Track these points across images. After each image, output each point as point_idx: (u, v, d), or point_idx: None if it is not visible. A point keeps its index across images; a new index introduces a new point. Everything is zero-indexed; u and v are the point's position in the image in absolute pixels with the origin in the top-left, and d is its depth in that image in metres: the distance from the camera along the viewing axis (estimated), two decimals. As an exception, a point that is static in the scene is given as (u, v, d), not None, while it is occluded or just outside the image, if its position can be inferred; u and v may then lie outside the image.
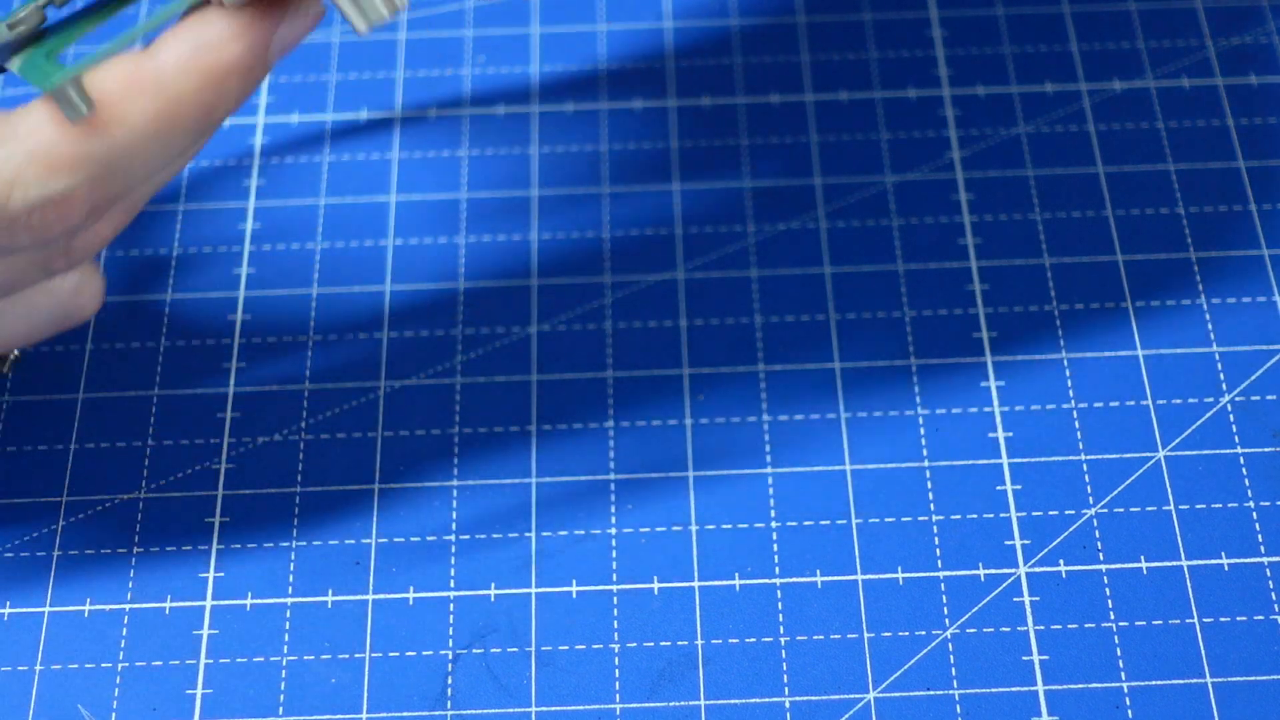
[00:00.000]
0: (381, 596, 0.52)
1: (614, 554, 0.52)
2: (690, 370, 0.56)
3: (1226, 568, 0.51)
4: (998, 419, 0.54)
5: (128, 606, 0.52)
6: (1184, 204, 0.59)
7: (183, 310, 0.57)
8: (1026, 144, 0.61)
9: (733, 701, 0.49)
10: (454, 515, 0.53)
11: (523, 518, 0.53)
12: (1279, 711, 0.49)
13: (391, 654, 0.51)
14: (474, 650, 0.51)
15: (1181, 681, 0.49)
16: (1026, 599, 0.51)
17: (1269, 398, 0.55)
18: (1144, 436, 0.54)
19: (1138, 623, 0.50)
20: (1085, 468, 0.53)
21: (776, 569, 0.52)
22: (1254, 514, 0.52)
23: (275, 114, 0.62)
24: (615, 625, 0.51)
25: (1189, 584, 0.51)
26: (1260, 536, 0.52)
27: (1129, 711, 0.49)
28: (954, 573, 0.52)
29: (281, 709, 0.50)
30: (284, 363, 0.56)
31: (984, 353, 0.56)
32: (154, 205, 0.60)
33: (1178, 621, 0.50)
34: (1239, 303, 0.57)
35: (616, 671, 0.50)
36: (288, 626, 0.51)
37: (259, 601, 0.52)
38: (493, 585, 0.52)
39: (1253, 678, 0.49)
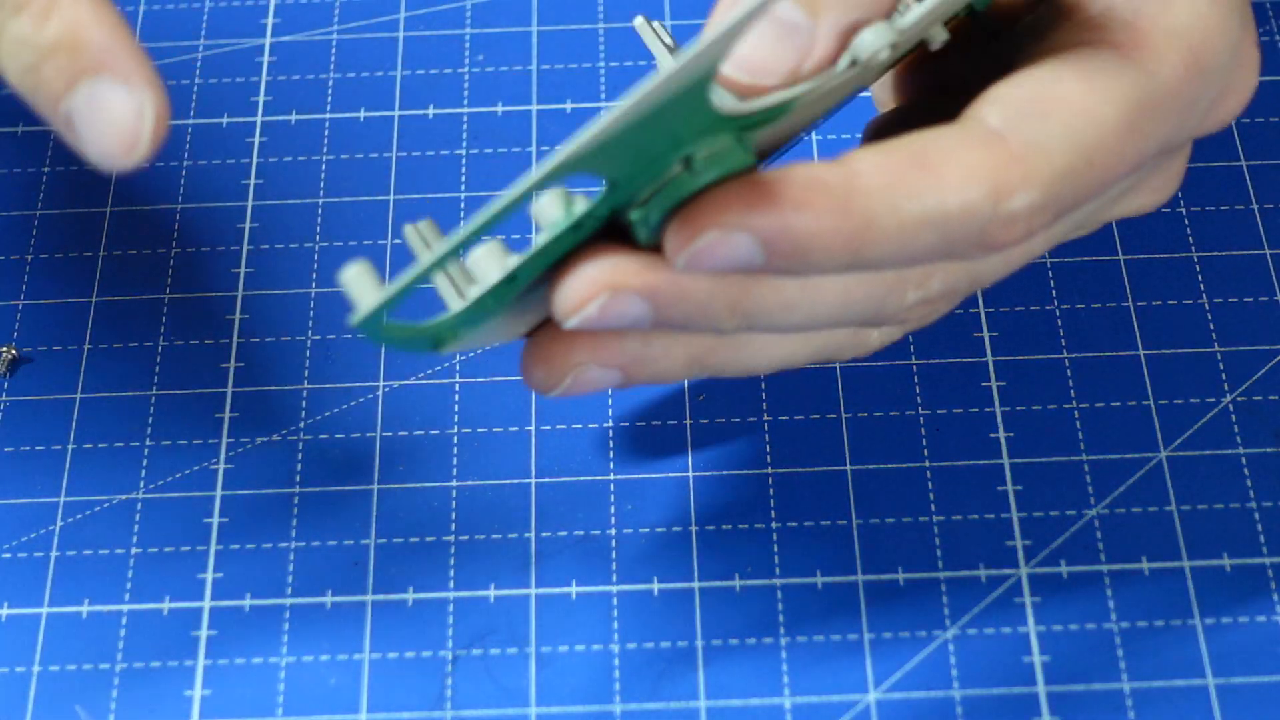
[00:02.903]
0: (380, 597, 0.52)
1: (614, 554, 0.52)
2: (690, 370, 0.56)
3: (1228, 568, 0.51)
4: (998, 419, 0.54)
5: (126, 607, 0.51)
6: (1185, 203, 0.59)
7: (181, 309, 0.57)
8: (1027, 143, 0.60)
9: (733, 702, 0.49)
10: (453, 515, 0.53)
11: (522, 518, 0.53)
12: (1281, 712, 0.49)
13: (390, 655, 0.50)
14: (473, 651, 0.51)
15: (1183, 683, 0.49)
16: (1027, 600, 0.51)
17: (1271, 398, 0.54)
18: (1145, 436, 0.54)
19: (1139, 624, 0.50)
20: (1086, 468, 0.53)
21: (776, 569, 0.52)
22: (1256, 514, 0.52)
23: (273, 113, 0.62)
24: (615, 625, 0.51)
25: (1191, 585, 0.51)
26: (1262, 537, 0.52)
27: (1130, 713, 0.49)
28: (954, 573, 0.51)
29: (280, 710, 0.50)
30: (282, 362, 0.56)
31: (984, 353, 0.56)
32: (152, 204, 0.60)
33: (1179, 622, 0.50)
34: (1241, 302, 0.56)
35: (616, 672, 0.50)
36: (286, 627, 0.51)
37: (258, 602, 0.52)
38: (492, 586, 0.52)
39: (1255, 679, 0.49)
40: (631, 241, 0.43)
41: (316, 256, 0.58)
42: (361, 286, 0.41)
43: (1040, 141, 0.42)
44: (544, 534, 0.53)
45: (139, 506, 0.53)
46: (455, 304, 0.42)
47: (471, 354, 0.56)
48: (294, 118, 0.62)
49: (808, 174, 0.41)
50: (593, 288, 0.42)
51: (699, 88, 0.39)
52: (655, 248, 0.42)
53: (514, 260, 0.41)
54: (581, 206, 0.41)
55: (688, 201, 0.41)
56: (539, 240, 0.41)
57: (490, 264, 0.42)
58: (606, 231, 0.43)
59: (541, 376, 0.45)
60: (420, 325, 0.42)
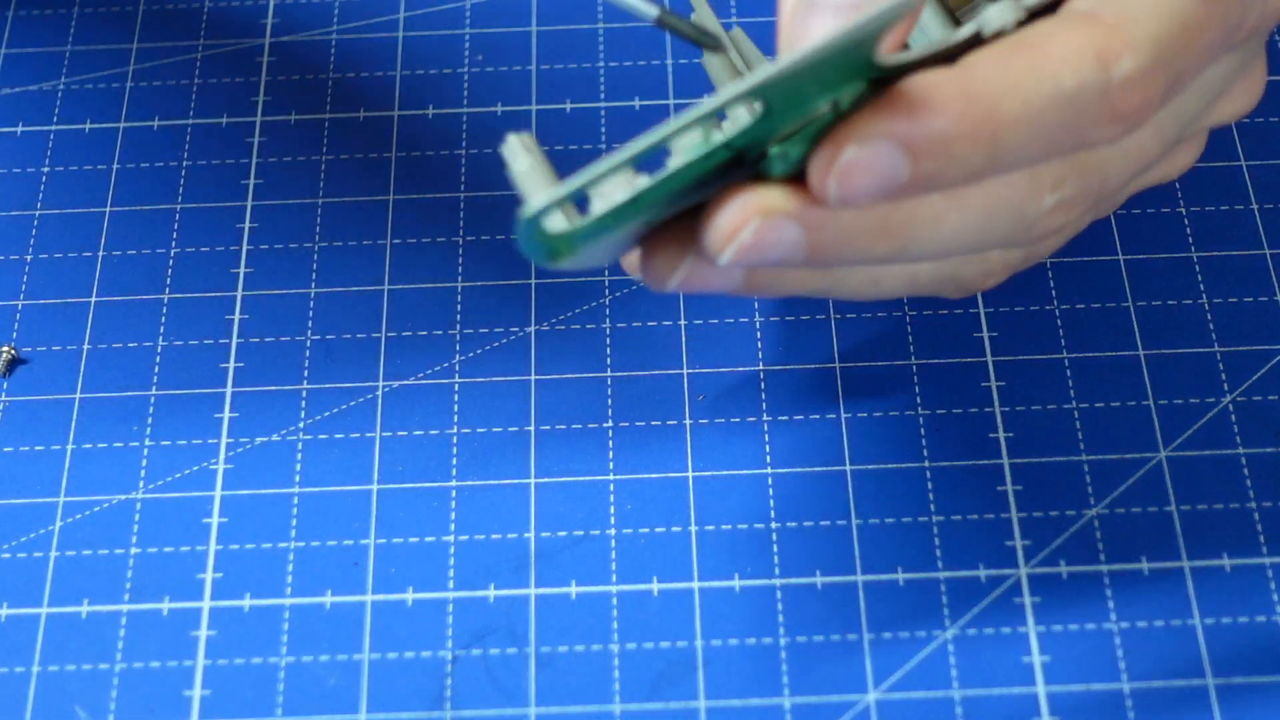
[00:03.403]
0: (380, 597, 0.52)
1: (613, 554, 0.52)
2: (690, 370, 0.56)
3: (1228, 569, 0.51)
4: (998, 419, 0.54)
5: (125, 608, 0.51)
6: (1185, 203, 0.59)
7: (180, 310, 0.57)
8: (1027, 143, 0.60)
9: (732, 703, 0.49)
10: (453, 515, 0.53)
11: (522, 518, 0.53)
12: (1281, 713, 0.49)
13: (390, 655, 0.50)
14: (473, 651, 0.50)
15: (1183, 683, 0.49)
16: (1027, 600, 0.51)
17: (1270, 398, 0.54)
18: (1145, 437, 0.54)
19: (1139, 624, 0.50)
20: (1086, 468, 0.53)
21: (776, 569, 0.52)
22: (1255, 514, 0.52)
23: (273, 113, 0.62)
24: (615, 626, 0.51)
25: (1190, 585, 0.51)
26: (1262, 537, 0.52)
27: (1130, 713, 0.49)
28: (954, 573, 0.51)
29: (280, 710, 0.49)
30: (282, 362, 0.56)
31: (984, 353, 0.56)
32: (152, 205, 0.60)
33: (1179, 623, 0.50)
34: (1240, 302, 0.56)
35: (616, 672, 0.50)
36: (286, 628, 0.51)
37: (257, 602, 0.52)
38: (492, 586, 0.52)
39: (1255, 679, 0.49)
40: (762, 180, 0.44)
41: (316, 256, 0.58)
42: (532, 182, 0.43)
43: (1131, 12, 0.45)
44: (544, 534, 0.52)
45: (138, 506, 0.53)
46: (575, 217, 0.43)
47: (471, 354, 0.56)
48: (293, 118, 0.62)
49: (926, 79, 0.43)
50: (744, 213, 0.43)
51: (873, 39, 0.41)
52: (788, 180, 0.43)
53: (643, 181, 0.42)
54: (719, 135, 0.42)
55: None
56: (671, 164, 0.42)
57: (617, 184, 0.43)
58: (731, 172, 0.44)
59: (661, 267, 0.45)
60: (547, 232, 0.42)
